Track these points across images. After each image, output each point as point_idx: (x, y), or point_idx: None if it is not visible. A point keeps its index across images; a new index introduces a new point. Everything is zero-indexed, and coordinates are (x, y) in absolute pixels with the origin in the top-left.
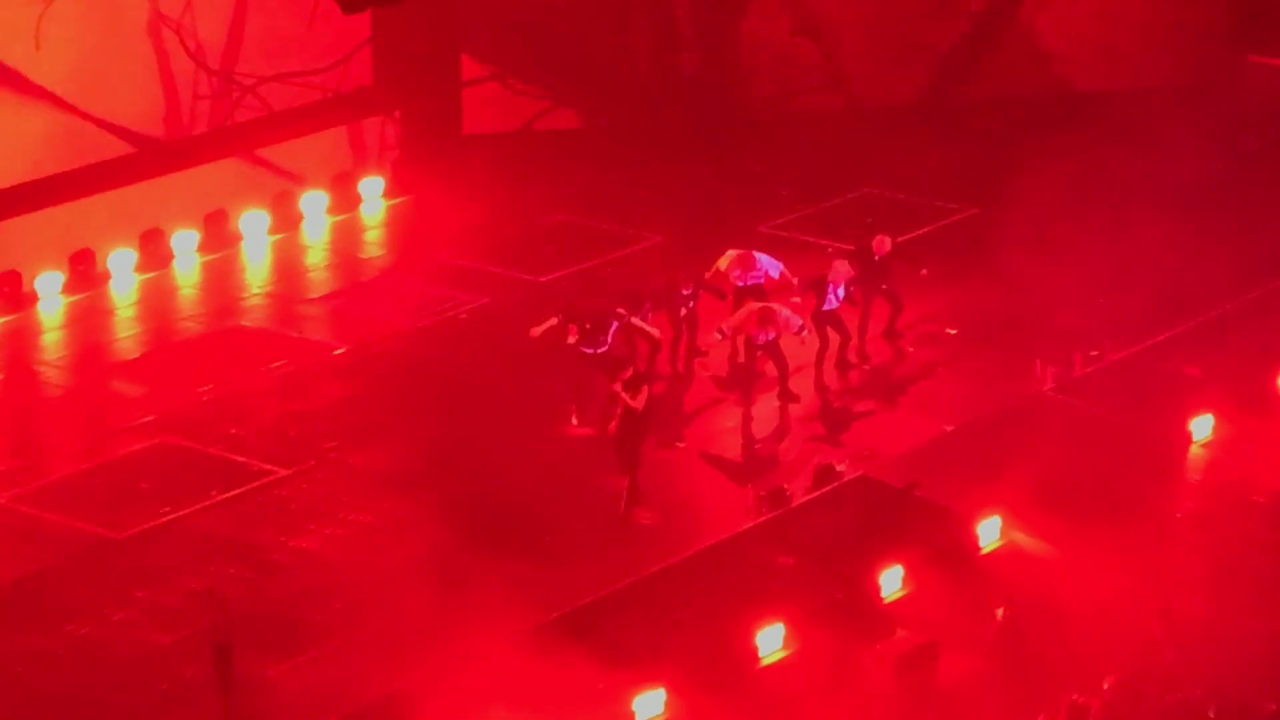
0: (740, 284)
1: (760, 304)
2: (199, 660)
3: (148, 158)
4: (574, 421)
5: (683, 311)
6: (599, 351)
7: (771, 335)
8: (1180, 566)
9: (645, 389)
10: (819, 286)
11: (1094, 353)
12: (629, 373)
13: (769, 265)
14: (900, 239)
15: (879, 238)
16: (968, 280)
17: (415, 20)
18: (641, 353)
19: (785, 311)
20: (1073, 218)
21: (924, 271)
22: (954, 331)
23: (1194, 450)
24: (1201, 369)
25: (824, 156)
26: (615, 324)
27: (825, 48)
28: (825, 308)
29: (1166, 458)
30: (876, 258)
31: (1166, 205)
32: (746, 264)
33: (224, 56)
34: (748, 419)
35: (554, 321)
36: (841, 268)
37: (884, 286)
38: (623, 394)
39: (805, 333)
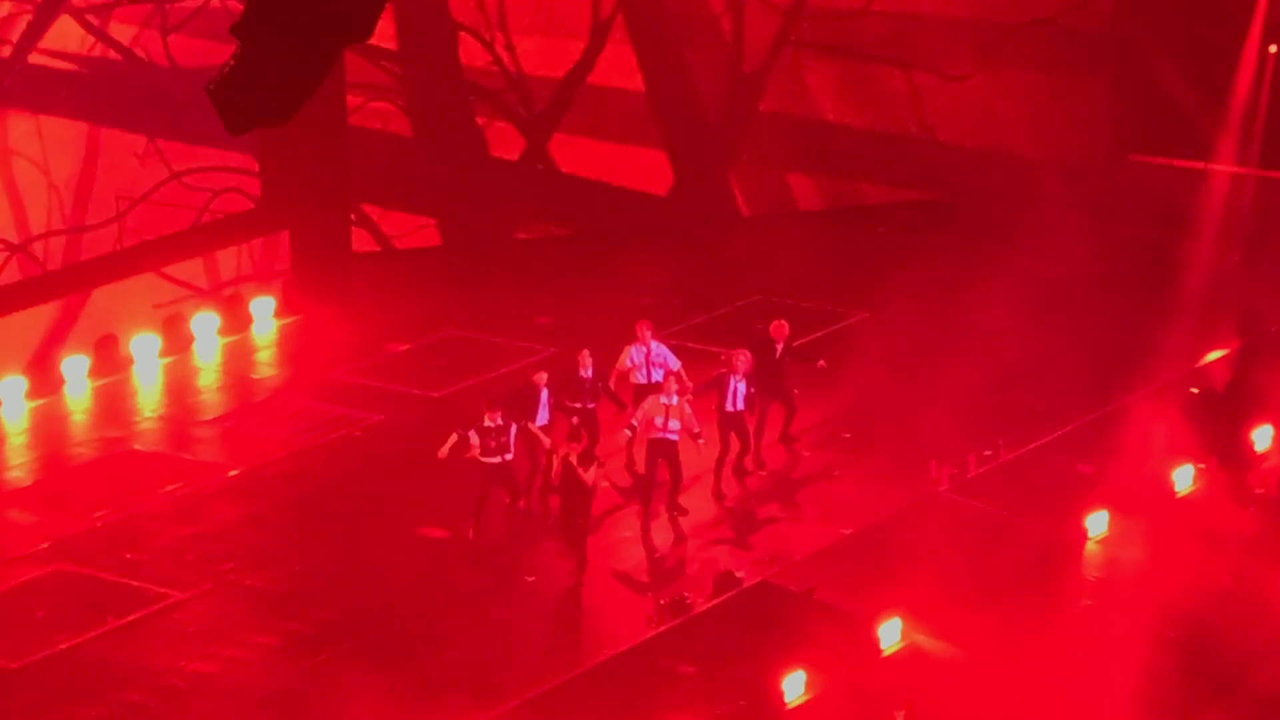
0: (643, 381)
1: (663, 397)
2: None
3: (35, 284)
4: (470, 535)
5: (574, 420)
6: (505, 460)
7: (674, 432)
8: (1079, 663)
9: (594, 466)
10: (719, 384)
11: (988, 452)
12: (580, 447)
13: (668, 356)
14: (795, 343)
15: (775, 323)
16: (860, 383)
17: (301, 141)
18: (539, 461)
19: (688, 410)
20: (958, 318)
21: (821, 363)
22: (849, 436)
23: (1090, 546)
24: (1094, 466)
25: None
26: (514, 428)
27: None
28: (728, 408)
29: (1063, 555)
30: (777, 344)
31: (1053, 304)
32: (646, 354)
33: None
34: (647, 528)
35: (454, 437)
36: (743, 358)
37: (782, 385)
38: (576, 466)
39: (701, 440)
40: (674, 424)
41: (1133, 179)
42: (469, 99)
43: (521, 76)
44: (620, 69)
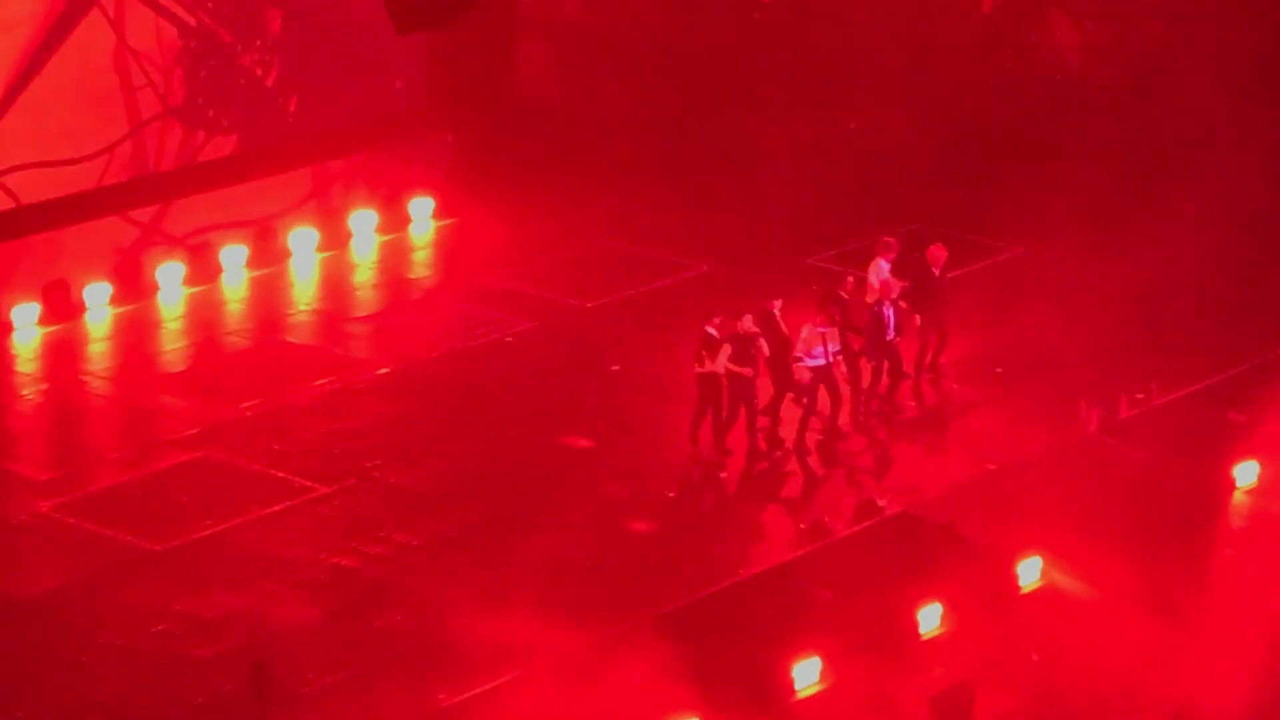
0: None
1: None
2: (236, 675)
3: (200, 170)
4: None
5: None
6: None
7: (833, 357)
8: (1221, 612)
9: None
10: (875, 313)
11: (1140, 395)
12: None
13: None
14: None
15: (934, 247)
16: (1015, 318)
17: (468, 44)
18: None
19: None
20: (1120, 256)
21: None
22: (1000, 370)
23: (1237, 496)
24: (1246, 415)
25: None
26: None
27: None
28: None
29: (1210, 502)
30: (934, 269)
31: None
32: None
33: None
34: (802, 451)
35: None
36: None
37: (941, 311)
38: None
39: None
40: (831, 348)
41: None
42: None
43: None
44: None
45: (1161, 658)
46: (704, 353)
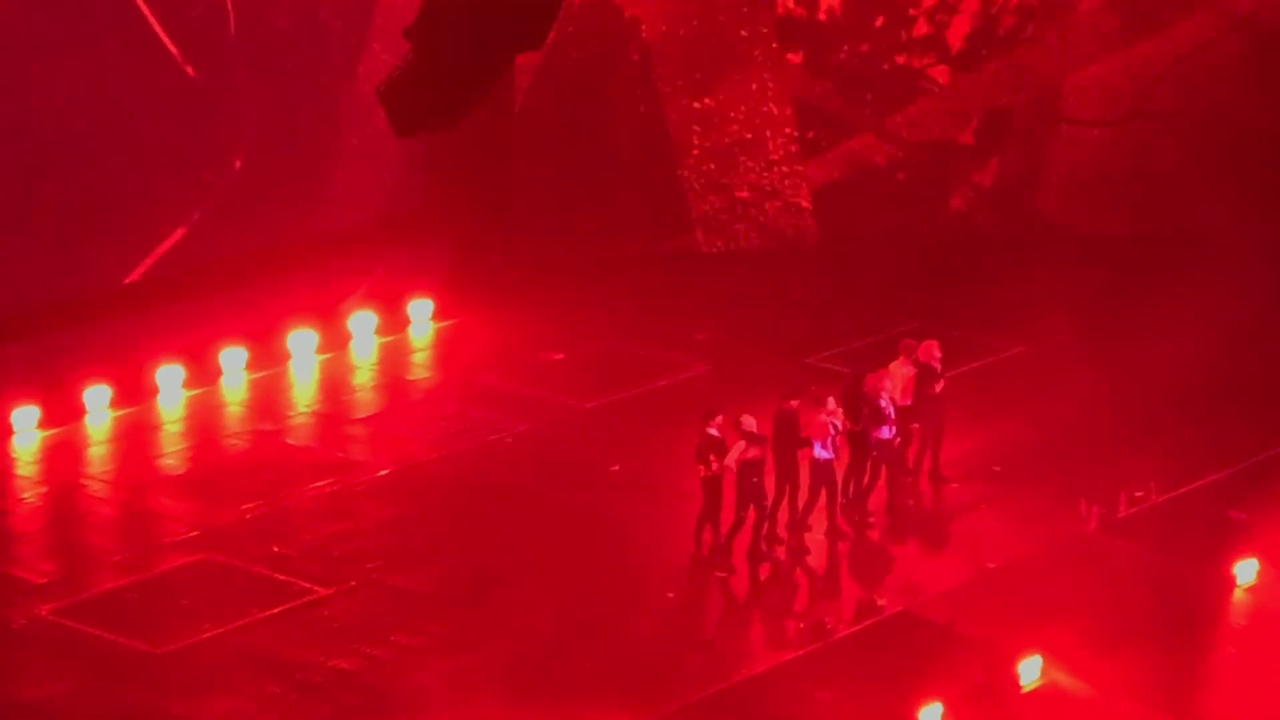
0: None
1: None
2: None
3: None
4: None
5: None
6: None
7: (832, 453)
8: (1220, 713)
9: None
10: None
11: (1139, 493)
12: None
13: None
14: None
15: (925, 343)
16: (1013, 416)
17: (466, 148)
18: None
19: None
20: (1117, 355)
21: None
22: (999, 469)
23: (1238, 594)
24: (1246, 513)
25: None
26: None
27: None
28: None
29: (1210, 600)
30: (934, 367)
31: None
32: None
33: None
34: (796, 549)
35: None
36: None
37: (938, 411)
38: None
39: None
40: (830, 445)
41: None
42: None
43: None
44: None
45: None
46: (710, 455)
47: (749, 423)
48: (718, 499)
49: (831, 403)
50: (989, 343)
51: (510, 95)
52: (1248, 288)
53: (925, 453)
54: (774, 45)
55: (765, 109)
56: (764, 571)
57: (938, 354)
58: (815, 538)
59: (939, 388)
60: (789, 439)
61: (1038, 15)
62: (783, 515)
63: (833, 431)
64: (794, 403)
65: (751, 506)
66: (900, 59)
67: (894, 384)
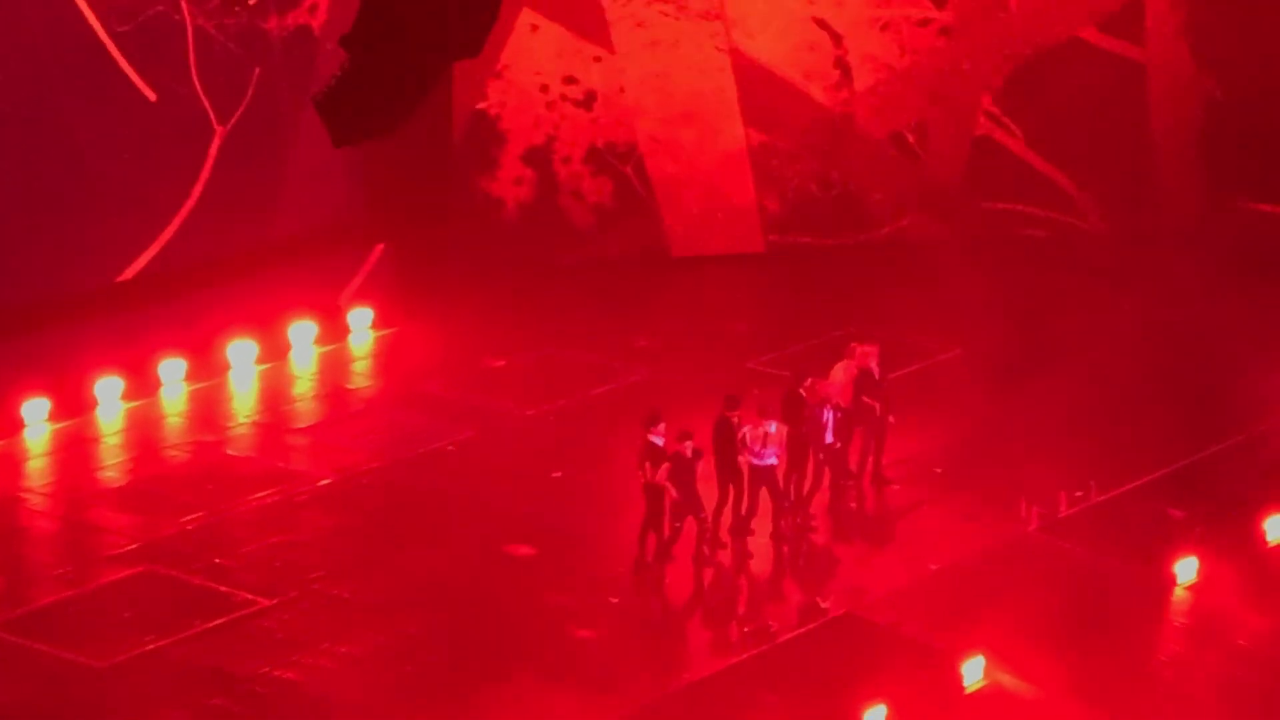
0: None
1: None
2: None
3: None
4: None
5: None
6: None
7: (773, 458)
8: (1163, 710)
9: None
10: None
11: (1079, 493)
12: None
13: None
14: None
15: (863, 348)
16: (953, 419)
17: (405, 154)
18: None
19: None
20: (1055, 356)
21: (891, 419)
22: (940, 471)
23: (1178, 593)
24: (1186, 511)
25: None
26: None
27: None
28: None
29: (1151, 600)
30: (873, 369)
31: (1152, 345)
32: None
33: None
34: (740, 554)
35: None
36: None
37: (880, 413)
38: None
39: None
40: (771, 450)
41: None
42: None
43: None
44: None
45: None
46: (648, 463)
47: (688, 448)
48: (660, 505)
49: (770, 412)
50: (927, 345)
51: (448, 101)
52: (1186, 289)
53: (868, 455)
54: None
55: None
56: (708, 576)
57: (876, 359)
58: (759, 541)
59: (879, 392)
60: (729, 446)
61: None
62: (726, 519)
63: (772, 436)
64: (735, 413)
65: (689, 517)
66: None
67: (837, 386)
